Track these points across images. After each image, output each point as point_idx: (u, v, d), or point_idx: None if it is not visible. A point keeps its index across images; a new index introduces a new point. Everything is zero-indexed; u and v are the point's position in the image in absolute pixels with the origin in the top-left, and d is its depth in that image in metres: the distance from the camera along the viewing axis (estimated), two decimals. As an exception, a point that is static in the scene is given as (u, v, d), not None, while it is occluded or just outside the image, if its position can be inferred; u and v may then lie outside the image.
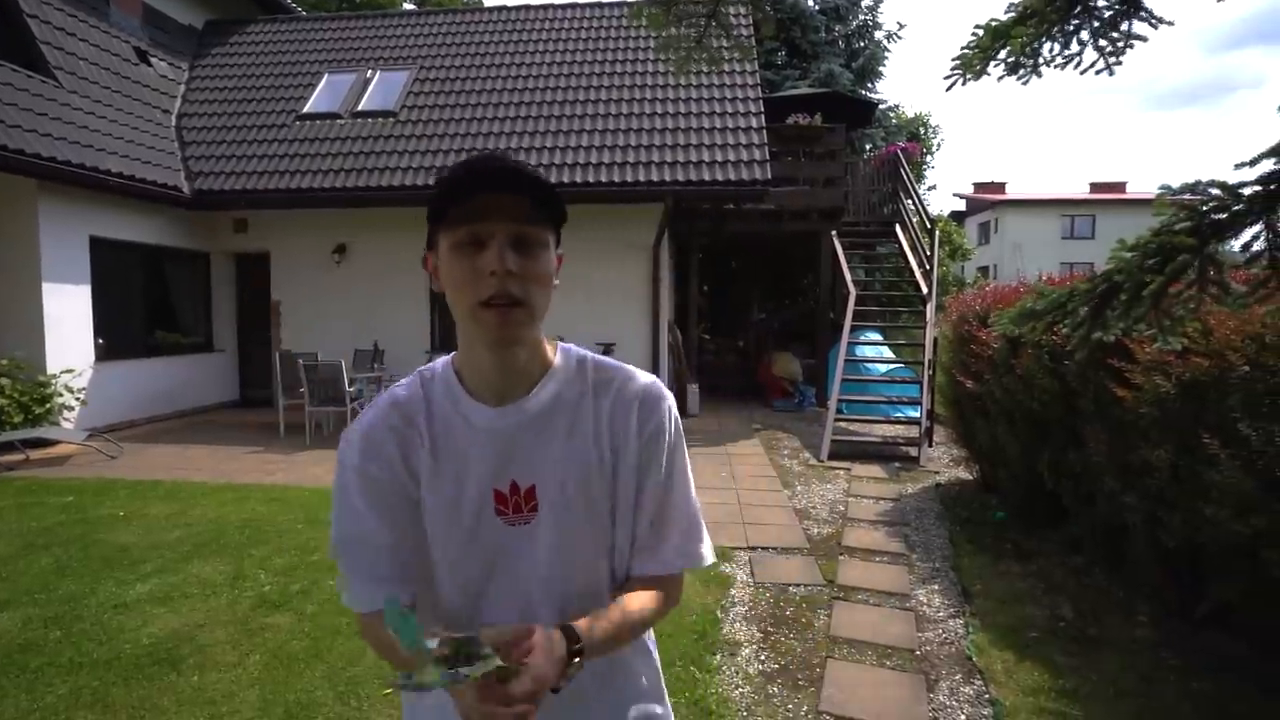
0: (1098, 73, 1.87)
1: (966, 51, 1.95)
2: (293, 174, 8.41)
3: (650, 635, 0.98)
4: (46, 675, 2.58)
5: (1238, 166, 1.57)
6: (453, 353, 0.92)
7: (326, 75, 9.77)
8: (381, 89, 9.46)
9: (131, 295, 8.04)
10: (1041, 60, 1.89)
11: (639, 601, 0.87)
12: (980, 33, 1.96)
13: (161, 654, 2.74)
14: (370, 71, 9.75)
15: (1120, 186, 34.51)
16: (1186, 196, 1.64)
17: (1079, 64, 1.88)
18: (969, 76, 1.97)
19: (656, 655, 0.99)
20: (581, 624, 0.79)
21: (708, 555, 0.93)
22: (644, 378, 0.93)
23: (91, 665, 2.65)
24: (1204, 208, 1.62)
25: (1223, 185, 1.62)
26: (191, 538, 4.10)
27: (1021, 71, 1.92)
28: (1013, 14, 1.90)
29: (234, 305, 9.54)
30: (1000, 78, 1.95)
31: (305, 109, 9.24)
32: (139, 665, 2.66)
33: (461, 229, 0.80)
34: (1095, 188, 34.53)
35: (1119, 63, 1.84)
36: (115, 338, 7.63)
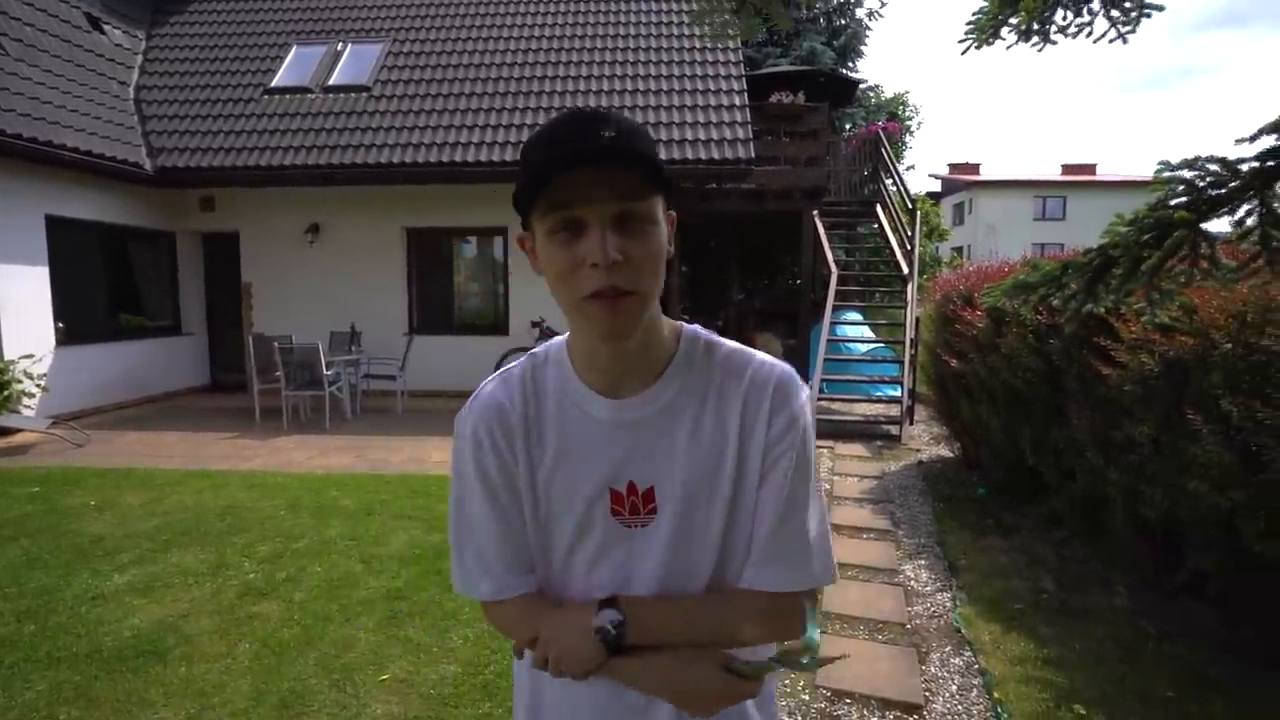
0: (1110, 41, 1.86)
1: (980, 17, 1.93)
2: (261, 150, 8.12)
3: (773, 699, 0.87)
4: (23, 671, 2.50)
5: (1238, 142, 1.56)
6: (566, 334, 0.83)
7: (295, 47, 9.40)
8: (353, 62, 9.14)
9: (93, 277, 7.72)
10: (1054, 28, 1.87)
11: (727, 606, 0.78)
12: (994, -2, 1.94)
13: (145, 645, 2.67)
14: (341, 44, 9.40)
15: (1090, 168, 35.14)
16: (1185, 172, 1.64)
17: (1090, 32, 1.86)
18: (982, 42, 1.95)
19: None
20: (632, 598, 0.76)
21: (825, 574, 0.79)
22: (779, 367, 0.81)
23: (71, 659, 2.57)
24: (1201, 183, 1.62)
25: (1221, 161, 1.62)
26: (169, 526, 4.00)
27: (1034, 38, 1.90)
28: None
29: (202, 286, 9.25)
30: (1010, 45, 1.94)
31: (273, 83, 8.89)
32: (122, 657, 2.58)
33: (554, 215, 0.69)
34: (1067, 169, 35.12)
35: (1132, 31, 1.84)
36: (77, 321, 7.33)
